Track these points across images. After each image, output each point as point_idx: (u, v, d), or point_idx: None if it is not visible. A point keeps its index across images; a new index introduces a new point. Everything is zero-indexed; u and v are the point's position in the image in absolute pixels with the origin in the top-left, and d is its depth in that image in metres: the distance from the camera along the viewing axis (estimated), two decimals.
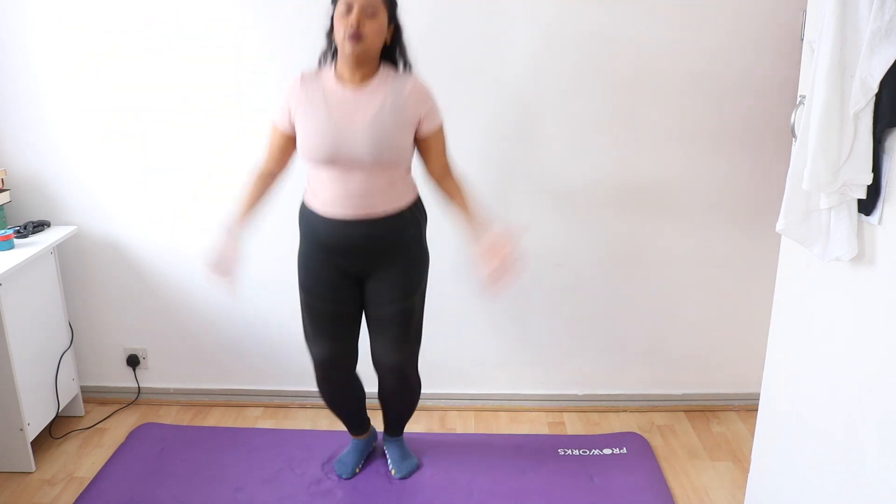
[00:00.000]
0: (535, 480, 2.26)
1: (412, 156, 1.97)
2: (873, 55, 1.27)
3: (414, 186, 2.02)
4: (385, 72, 1.91)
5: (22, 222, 2.52)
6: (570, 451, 2.42)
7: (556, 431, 2.57)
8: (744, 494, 2.02)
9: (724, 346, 2.67)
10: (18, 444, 2.28)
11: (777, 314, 1.82)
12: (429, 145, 1.95)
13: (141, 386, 2.77)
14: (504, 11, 2.31)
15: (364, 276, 2.02)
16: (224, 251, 1.90)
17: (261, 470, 2.32)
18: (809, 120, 1.39)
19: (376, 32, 1.82)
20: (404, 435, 2.38)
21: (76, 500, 2.17)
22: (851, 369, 1.46)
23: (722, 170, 2.45)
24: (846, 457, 1.48)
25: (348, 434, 2.36)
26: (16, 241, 2.35)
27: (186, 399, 2.77)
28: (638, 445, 2.46)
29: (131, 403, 2.76)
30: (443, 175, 1.99)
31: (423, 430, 2.58)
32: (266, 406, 2.74)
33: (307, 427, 2.60)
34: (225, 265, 1.90)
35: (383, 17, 1.84)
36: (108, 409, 2.72)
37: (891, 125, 1.31)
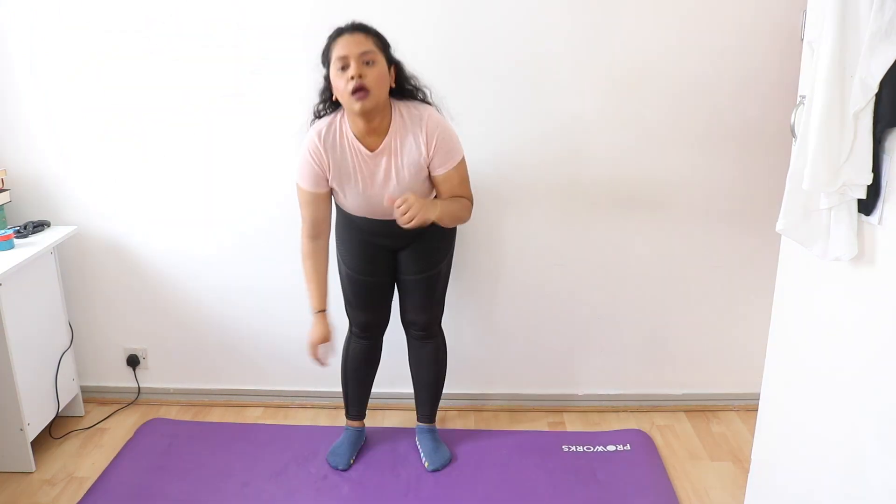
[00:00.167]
0: (540, 476, 2.27)
1: None
2: (873, 55, 1.27)
3: None
4: (398, 117, 1.89)
5: (22, 222, 2.52)
6: (574, 448, 2.43)
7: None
8: (744, 494, 2.02)
9: (724, 346, 2.66)
10: (18, 444, 2.28)
11: (777, 314, 1.82)
12: (438, 183, 1.99)
13: (141, 386, 2.77)
14: (504, 11, 2.31)
15: (398, 248, 2.16)
16: (321, 335, 2.08)
17: (267, 465, 2.34)
18: (809, 120, 1.39)
19: (380, 80, 1.78)
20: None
21: (85, 495, 2.18)
22: (851, 369, 1.46)
23: (722, 170, 2.45)
24: (846, 457, 1.48)
25: (344, 429, 2.42)
26: (16, 241, 2.35)
27: (186, 399, 2.77)
28: (642, 442, 2.46)
29: (131, 403, 2.76)
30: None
31: None
32: (266, 406, 2.74)
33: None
34: (325, 348, 2.10)
35: (382, 62, 1.80)
36: (108, 409, 2.72)
37: (891, 125, 1.31)
